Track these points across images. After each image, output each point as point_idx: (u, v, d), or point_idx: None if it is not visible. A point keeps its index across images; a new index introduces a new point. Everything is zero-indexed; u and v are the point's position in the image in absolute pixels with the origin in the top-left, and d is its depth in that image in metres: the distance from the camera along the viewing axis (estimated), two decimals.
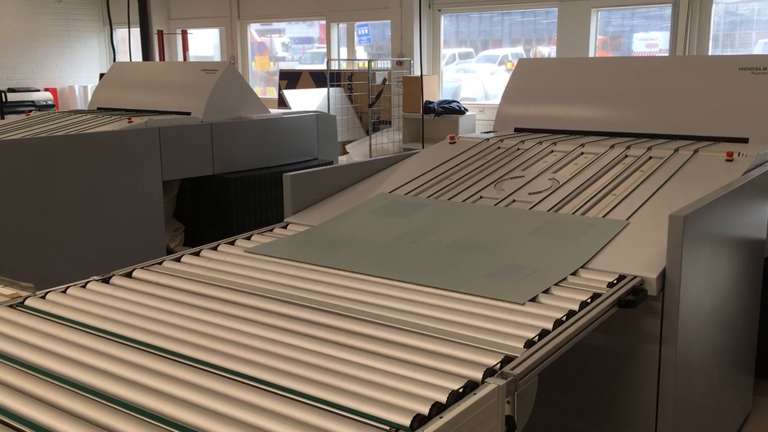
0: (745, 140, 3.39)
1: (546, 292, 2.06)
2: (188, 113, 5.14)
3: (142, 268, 2.30)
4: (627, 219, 2.54)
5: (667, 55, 8.49)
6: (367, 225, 2.73)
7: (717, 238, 2.47)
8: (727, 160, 3.03)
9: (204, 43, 13.62)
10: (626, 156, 3.26)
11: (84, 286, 2.14)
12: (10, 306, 1.96)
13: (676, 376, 2.22)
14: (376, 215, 2.82)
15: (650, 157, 3.20)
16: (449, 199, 2.98)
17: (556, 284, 2.11)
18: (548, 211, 2.73)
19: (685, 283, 2.19)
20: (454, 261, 2.31)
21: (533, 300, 2.00)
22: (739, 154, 3.05)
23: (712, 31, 8.36)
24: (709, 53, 8.35)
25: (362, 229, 2.68)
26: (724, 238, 2.54)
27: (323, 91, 10.32)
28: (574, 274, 2.20)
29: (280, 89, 11.10)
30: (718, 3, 8.32)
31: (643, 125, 3.69)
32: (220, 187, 4.96)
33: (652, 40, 9.18)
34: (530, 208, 2.78)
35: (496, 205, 2.87)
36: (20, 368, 1.56)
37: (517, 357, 1.59)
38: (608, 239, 2.38)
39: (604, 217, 2.60)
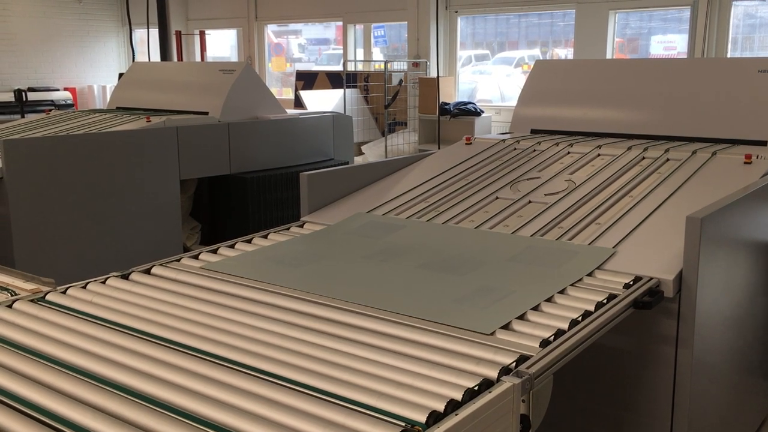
0: (763, 143, 3.37)
1: (562, 292, 2.06)
2: (206, 113, 5.18)
3: (161, 264, 2.33)
4: (615, 246, 2.36)
5: (685, 57, 8.44)
6: (338, 244, 2.57)
7: (734, 240, 2.46)
8: (745, 163, 3.01)
9: (221, 44, 13.69)
10: (643, 158, 3.25)
11: (104, 282, 2.16)
12: (32, 300, 1.99)
13: (691, 378, 2.21)
14: (350, 235, 2.68)
15: (668, 159, 3.19)
16: (464, 199, 2.98)
17: (572, 285, 2.10)
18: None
19: (701, 285, 2.18)
20: (422, 282, 2.14)
21: (549, 300, 1.99)
22: (757, 157, 3.03)
23: (731, 34, 8.30)
24: (728, 56, 8.28)
25: (332, 248, 2.52)
26: (741, 240, 2.53)
27: (339, 92, 10.34)
28: (590, 275, 2.20)
29: (296, 90, 11.14)
30: (737, 5, 8.26)
31: (661, 127, 3.68)
32: (236, 186, 4.99)
33: (670, 43, 9.12)
34: (544, 210, 2.78)
35: (509, 206, 2.87)
36: (41, 361, 1.58)
37: (532, 356, 1.60)
38: (592, 268, 2.23)
39: (614, 223, 2.59)
